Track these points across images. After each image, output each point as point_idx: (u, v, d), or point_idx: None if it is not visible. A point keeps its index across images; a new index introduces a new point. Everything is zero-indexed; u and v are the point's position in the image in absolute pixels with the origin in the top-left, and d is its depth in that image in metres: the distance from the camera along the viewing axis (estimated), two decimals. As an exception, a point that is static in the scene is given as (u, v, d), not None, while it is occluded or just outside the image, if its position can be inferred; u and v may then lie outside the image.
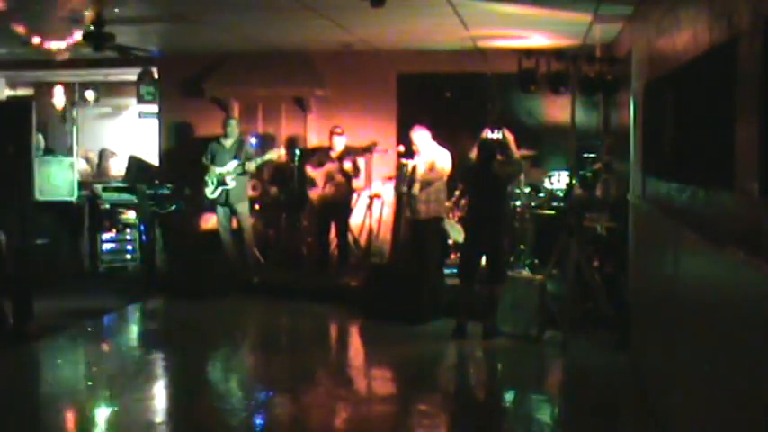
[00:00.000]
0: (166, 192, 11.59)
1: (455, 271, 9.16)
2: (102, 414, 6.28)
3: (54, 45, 8.36)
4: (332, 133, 10.78)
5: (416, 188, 9.34)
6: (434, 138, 9.65)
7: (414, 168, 9.41)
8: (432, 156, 9.43)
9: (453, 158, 9.51)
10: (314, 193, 10.76)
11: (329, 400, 6.60)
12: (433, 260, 9.54)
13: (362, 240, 11.14)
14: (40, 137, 11.71)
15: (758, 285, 3.13)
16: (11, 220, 8.32)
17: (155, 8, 8.70)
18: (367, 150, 10.97)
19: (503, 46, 10.67)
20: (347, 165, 10.55)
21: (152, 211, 11.40)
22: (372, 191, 11.15)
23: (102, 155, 13.97)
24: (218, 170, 10.84)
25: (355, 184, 10.92)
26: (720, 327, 3.79)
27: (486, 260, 8.49)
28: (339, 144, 10.71)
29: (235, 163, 10.82)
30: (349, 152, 10.69)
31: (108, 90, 15.68)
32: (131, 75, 13.38)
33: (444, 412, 6.43)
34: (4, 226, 8.18)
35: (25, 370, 7.41)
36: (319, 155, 10.92)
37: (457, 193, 10.27)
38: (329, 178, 10.65)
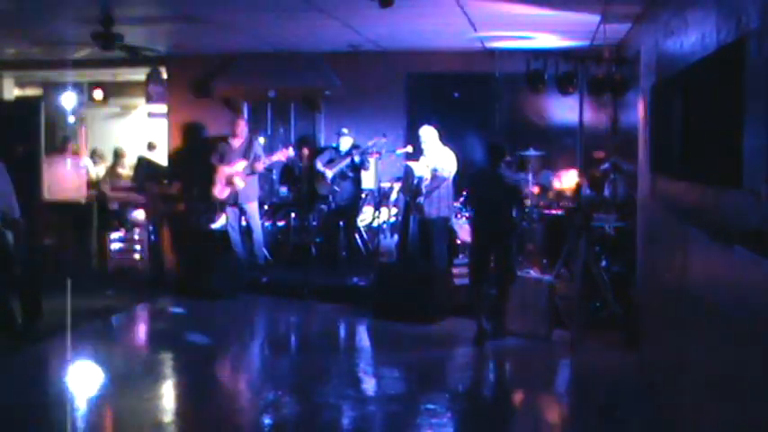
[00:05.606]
0: (175, 192, 11.63)
1: (465, 271, 9.15)
2: (111, 413, 6.31)
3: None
4: (338, 135, 11.04)
5: (421, 199, 9.38)
6: (442, 137, 9.66)
7: (419, 181, 9.41)
8: (436, 159, 9.44)
9: (458, 159, 9.51)
10: (323, 188, 10.84)
11: (338, 399, 6.61)
12: (442, 259, 9.55)
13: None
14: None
15: (766, 285, 3.13)
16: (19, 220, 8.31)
17: (165, 8, 8.73)
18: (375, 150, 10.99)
19: (511, 46, 10.68)
20: (357, 158, 10.64)
21: (161, 210, 11.44)
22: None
23: (118, 154, 13.99)
24: (226, 170, 10.86)
25: (364, 183, 10.98)
26: (729, 326, 3.79)
27: (496, 261, 8.48)
28: (345, 145, 10.92)
29: (243, 163, 10.83)
30: (359, 150, 10.75)
31: (117, 90, 15.73)
32: (140, 75, 13.42)
33: (453, 412, 6.43)
34: (13, 225, 8.19)
35: (34, 369, 7.43)
36: (329, 152, 11.06)
37: (464, 193, 10.28)
38: (339, 174, 10.71)
